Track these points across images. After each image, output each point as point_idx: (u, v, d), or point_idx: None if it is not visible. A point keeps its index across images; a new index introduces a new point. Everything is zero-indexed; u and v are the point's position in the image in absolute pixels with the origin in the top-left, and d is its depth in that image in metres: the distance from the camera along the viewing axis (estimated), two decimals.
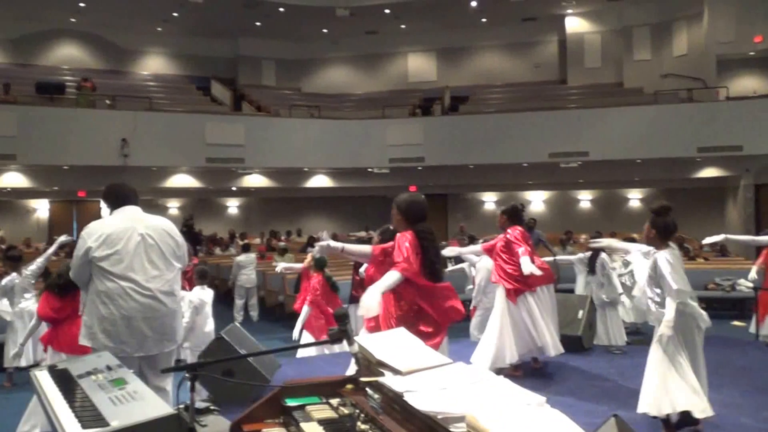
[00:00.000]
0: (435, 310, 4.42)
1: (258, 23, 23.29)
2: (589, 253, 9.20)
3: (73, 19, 22.43)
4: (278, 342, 10.52)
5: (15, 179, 17.51)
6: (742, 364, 7.69)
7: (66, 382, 3.07)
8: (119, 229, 4.39)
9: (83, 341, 4.45)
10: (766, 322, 8.89)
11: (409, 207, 4.72)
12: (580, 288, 10.08)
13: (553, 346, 7.14)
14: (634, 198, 22.08)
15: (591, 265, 9.08)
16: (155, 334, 4.34)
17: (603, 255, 9.03)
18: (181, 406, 2.74)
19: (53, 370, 3.30)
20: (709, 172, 18.66)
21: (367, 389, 2.77)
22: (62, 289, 6.02)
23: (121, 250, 4.33)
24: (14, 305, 8.01)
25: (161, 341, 4.35)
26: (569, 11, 23.05)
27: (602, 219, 21.23)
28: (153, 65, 24.86)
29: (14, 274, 8.04)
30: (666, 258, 5.05)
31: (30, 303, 7.90)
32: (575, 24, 23.42)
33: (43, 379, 3.19)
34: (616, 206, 22.22)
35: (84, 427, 2.46)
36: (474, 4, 21.65)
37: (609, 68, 22.96)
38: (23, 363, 7.73)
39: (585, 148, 17.94)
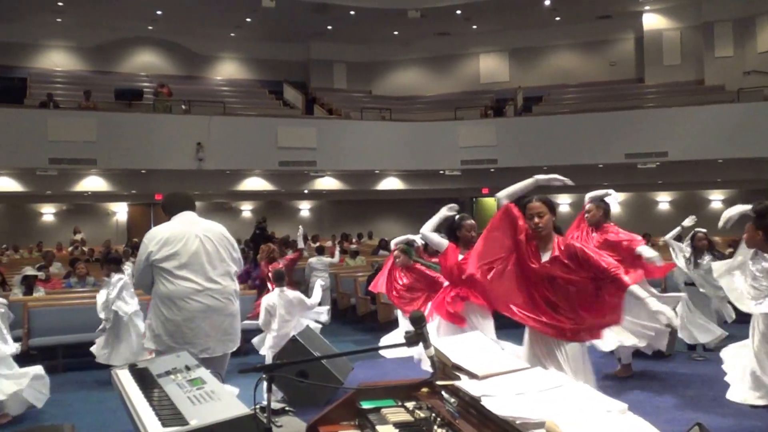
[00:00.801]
0: None
1: (329, 27, 23.46)
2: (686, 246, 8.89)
3: (150, 27, 23.06)
4: (350, 344, 10.49)
5: (95, 183, 18.03)
6: None
7: (146, 380, 3.17)
8: (178, 232, 4.53)
9: (148, 344, 4.57)
10: None
11: None
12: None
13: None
14: (716, 199, 21.34)
15: (695, 260, 8.76)
16: (217, 334, 4.41)
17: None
18: (257, 406, 2.74)
19: (134, 369, 3.40)
20: None
21: (443, 393, 2.72)
22: None
23: (180, 252, 4.45)
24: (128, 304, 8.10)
25: (224, 341, 4.46)
26: (647, 8, 22.48)
27: (682, 221, 20.56)
28: (227, 70, 25.31)
29: (122, 275, 8.21)
30: None
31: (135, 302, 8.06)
32: (653, 20, 22.81)
33: (124, 377, 3.29)
34: (696, 208, 21.44)
35: (164, 425, 2.53)
36: (548, 2, 21.32)
37: (689, 66, 22.30)
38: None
39: (664, 148, 17.43)
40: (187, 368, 3.19)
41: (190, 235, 4.51)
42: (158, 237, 4.51)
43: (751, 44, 21.00)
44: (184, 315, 4.38)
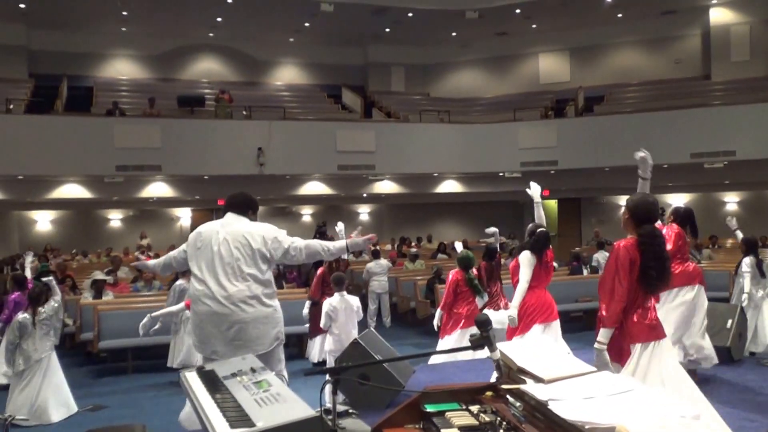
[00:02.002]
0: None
1: (387, 29, 23.50)
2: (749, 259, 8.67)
3: (210, 34, 23.45)
4: (411, 347, 10.46)
5: (160, 189, 18.38)
6: None
7: (213, 382, 3.22)
8: (205, 233, 4.57)
9: None
10: None
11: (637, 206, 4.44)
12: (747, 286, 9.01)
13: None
14: None
15: (762, 270, 8.60)
16: (225, 339, 4.35)
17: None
18: (322, 408, 2.74)
19: (201, 372, 3.47)
20: None
21: (508, 397, 2.72)
22: None
23: (199, 255, 4.51)
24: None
25: (236, 347, 4.30)
26: (714, 1, 21.88)
27: (752, 222, 19.86)
28: (286, 75, 25.55)
29: (182, 281, 8.41)
30: None
31: None
32: (720, 15, 22.19)
33: (192, 379, 3.35)
34: (766, 209, 20.85)
35: (232, 426, 2.57)
36: None
37: (759, 61, 21.63)
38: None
39: (731, 147, 16.93)
40: (253, 370, 3.23)
41: (213, 238, 4.50)
42: (191, 237, 4.66)
43: None
44: (196, 316, 4.47)
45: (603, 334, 4.10)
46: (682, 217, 7.16)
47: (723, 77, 21.77)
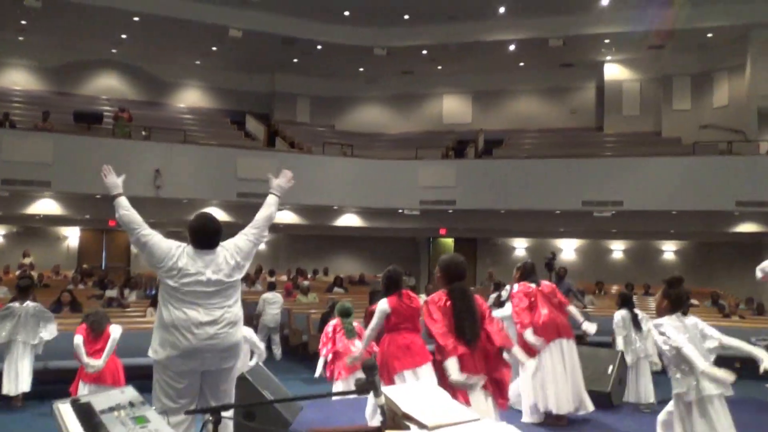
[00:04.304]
0: None
1: (295, 60, 23.51)
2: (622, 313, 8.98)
3: (114, 50, 22.85)
4: (300, 383, 10.32)
5: (48, 206, 17.61)
6: None
7: (88, 417, 3.05)
8: None
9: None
10: None
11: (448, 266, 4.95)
12: (620, 344, 9.33)
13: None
14: (669, 250, 21.70)
15: (637, 323, 8.87)
16: None
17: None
18: None
19: (76, 404, 3.24)
20: (748, 227, 18.20)
21: None
22: None
23: None
24: None
25: None
26: (608, 58, 22.95)
27: (635, 270, 20.85)
28: (189, 98, 25.14)
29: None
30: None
31: None
32: (614, 71, 23.30)
33: (66, 412, 3.14)
34: (650, 258, 21.82)
35: None
36: (512, 48, 21.67)
37: (647, 117, 22.77)
38: None
39: (620, 198, 17.64)
40: (132, 405, 3.09)
41: None
42: None
43: (708, 99, 21.55)
44: None
45: (451, 365, 4.52)
46: (529, 271, 7.73)
47: (614, 130, 22.79)
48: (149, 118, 20.11)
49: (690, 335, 5.00)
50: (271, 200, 5.20)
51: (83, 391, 6.55)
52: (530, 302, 7.28)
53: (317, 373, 7.98)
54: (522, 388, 7.38)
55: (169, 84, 24.76)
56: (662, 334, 5.03)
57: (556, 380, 7.12)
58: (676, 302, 5.29)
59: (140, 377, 6.96)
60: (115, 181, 4.93)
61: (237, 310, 4.61)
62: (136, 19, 19.60)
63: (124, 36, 21.33)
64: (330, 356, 7.90)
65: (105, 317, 7.37)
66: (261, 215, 5.09)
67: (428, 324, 4.70)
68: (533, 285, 7.52)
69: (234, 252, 4.72)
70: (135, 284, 16.34)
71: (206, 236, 4.71)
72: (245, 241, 4.89)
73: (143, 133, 18.41)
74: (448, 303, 4.66)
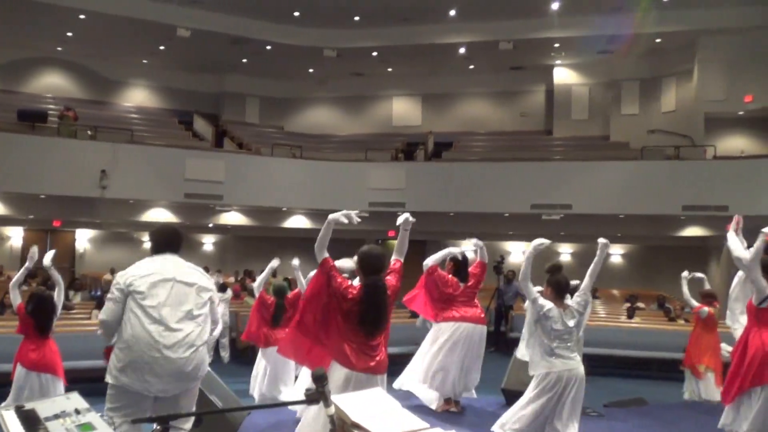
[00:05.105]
0: None
1: (244, 60, 23.30)
2: None
3: (59, 48, 22.35)
4: (248, 385, 10.16)
5: None
6: None
7: (32, 424, 3.04)
8: None
9: None
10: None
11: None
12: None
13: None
14: (616, 253, 21.97)
15: None
16: None
17: None
18: None
19: (20, 411, 3.22)
20: (693, 231, 18.56)
21: None
22: None
23: None
24: None
25: None
26: (558, 62, 23.18)
27: (583, 273, 20.84)
28: (136, 97, 24.75)
29: None
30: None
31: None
32: (563, 75, 23.53)
33: (9, 419, 3.12)
34: None
35: None
36: (462, 51, 21.76)
37: (596, 121, 23.04)
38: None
39: (568, 201, 17.79)
40: (77, 412, 3.09)
41: None
42: None
43: (656, 104, 21.92)
44: None
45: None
46: (462, 263, 8.25)
47: (563, 134, 22.99)
48: (95, 117, 19.71)
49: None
50: None
51: (21, 376, 6.29)
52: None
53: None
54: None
55: (115, 83, 24.35)
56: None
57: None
58: (557, 288, 5.94)
59: (85, 380, 6.81)
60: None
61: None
62: (82, 17, 19.20)
63: (69, 34, 20.87)
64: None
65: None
66: None
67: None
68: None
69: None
70: (80, 286, 16.04)
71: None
72: None
73: (89, 132, 18.02)
74: (358, 295, 4.77)
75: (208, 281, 4.79)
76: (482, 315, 8.12)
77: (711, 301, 9.40)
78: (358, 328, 4.73)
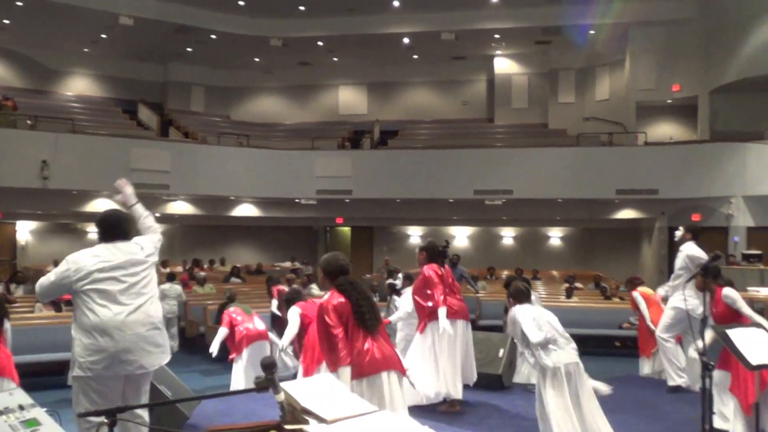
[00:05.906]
0: None
1: (189, 49, 23.14)
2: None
3: None
4: (198, 374, 10.35)
5: None
6: (656, 403, 7.90)
7: None
8: None
9: None
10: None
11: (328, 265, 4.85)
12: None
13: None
14: (555, 236, 22.64)
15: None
16: None
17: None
18: None
19: None
20: (627, 214, 19.32)
21: None
22: None
23: None
24: None
25: None
26: (498, 52, 23.65)
27: (524, 256, 21.73)
28: (78, 86, 24.35)
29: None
30: None
31: None
32: (504, 65, 24.04)
33: None
34: (537, 244, 22.73)
35: None
36: (406, 41, 22.05)
37: (535, 109, 23.63)
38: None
39: (509, 186, 18.29)
40: (21, 408, 3.05)
41: None
42: None
43: (591, 92, 22.60)
44: None
45: (343, 375, 4.36)
46: (431, 251, 7.41)
47: (504, 121, 23.55)
48: (35, 106, 19.36)
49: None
50: (143, 211, 5.08)
51: None
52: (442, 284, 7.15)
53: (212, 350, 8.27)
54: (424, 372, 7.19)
55: (56, 72, 23.90)
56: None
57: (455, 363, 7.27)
58: (517, 296, 5.95)
59: (29, 375, 6.79)
60: (133, 191, 5.06)
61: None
62: (19, 3, 18.81)
63: (6, 21, 20.42)
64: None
65: None
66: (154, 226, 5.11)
67: (324, 330, 4.55)
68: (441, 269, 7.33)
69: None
70: (22, 279, 15.81)
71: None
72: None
73: (29, 122, 17.73)
74: (341, 299, 4.56)
75: (149, 245, 4.82)
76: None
77: (637, 284, 9.63)
78: (358, 328, 4.57)
